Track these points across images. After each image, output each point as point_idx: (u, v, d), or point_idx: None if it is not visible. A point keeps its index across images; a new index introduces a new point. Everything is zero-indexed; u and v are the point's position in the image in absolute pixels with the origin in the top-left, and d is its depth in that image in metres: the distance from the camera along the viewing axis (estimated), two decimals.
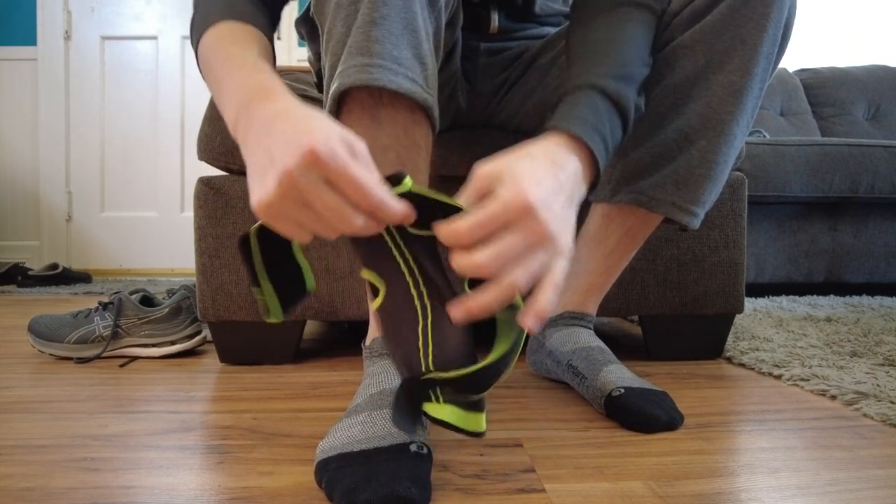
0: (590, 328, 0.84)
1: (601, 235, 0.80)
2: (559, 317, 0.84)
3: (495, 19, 0.83)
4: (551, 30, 0.88)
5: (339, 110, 0.54)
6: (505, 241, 0.43)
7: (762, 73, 0.67)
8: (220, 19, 0.59)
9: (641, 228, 0.79)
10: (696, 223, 0.73)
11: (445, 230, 0.43)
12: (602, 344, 0.81)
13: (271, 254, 0.49)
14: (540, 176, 0.47)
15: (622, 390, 0.69)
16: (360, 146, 0.42)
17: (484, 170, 0.47)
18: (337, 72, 0.52)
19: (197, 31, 0.61)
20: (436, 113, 0.56)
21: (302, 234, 0.44)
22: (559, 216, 0.46)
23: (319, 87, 0.82)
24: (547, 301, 0.44)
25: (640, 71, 0.64)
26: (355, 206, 0.41)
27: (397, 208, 0.42)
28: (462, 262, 0.43)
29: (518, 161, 0.48)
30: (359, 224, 0.42)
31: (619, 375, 0.73)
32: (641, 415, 0.66)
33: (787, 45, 0.68)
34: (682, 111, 0.69)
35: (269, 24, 0.65)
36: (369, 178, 0.41)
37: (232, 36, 0.58)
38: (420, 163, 0.58)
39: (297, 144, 0.40)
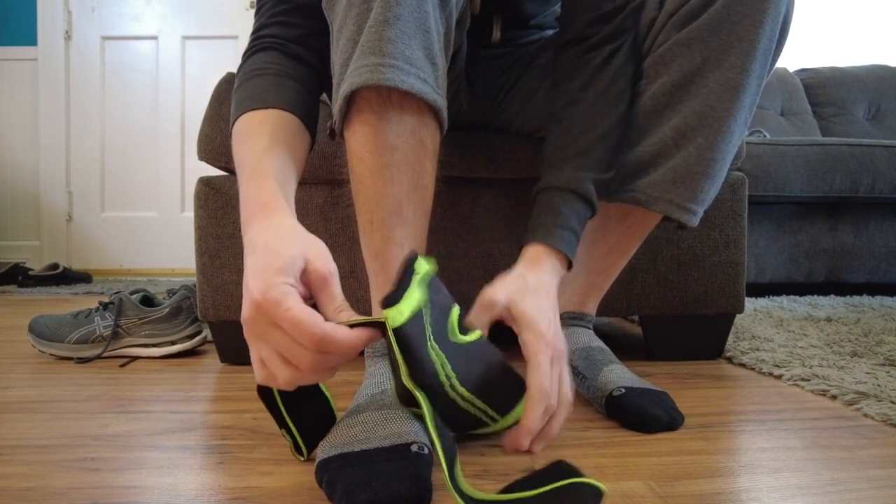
0: (589, 328, 0.84)
1: (600, 235, 0.80)
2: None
3: (497, 30, 0.83)
4: (551, 32, 0.88)
5: (348, 110, 0.54)
6: (549, 425, 0.55)
7: (760, 70, 0.66)
8: (244, 110, 0.62)
9: (640, 227, 0.79)
10: (694, 221, 0.72)
11: (511, 446, 0.53)
12: (602, 344, 0.81)
13: (296, 394, 0.52)
14: (560, 339, 0.58)
15: (623, 390, 0.69)
16: (322, 277, 0.46)
17: (505, 309, 0.58)
18: (348, 71, 0.52)
19: (234, 113, 0.64)
20: (444, 114, 0.57)
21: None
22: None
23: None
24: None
25: (603, 142, 0.69)
26: (304, 346, 0.43)
27: (344, 341, 0.43)
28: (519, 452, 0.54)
29: (538, 317, 0.58)
30: (308, 361, 0.43)
31: (620, 375, 0.73)
32: (642, 414, 0.66)
33: (785, 41, 0.68)
34: (679, 109, 0.69)
35: (308, 87, 0.67)
36: (308, 319, 0.42)
37: (247, 132, 0.60)
38: (427, 163, 0.58)
39: (248, 291, 0.45)
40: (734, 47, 0.65)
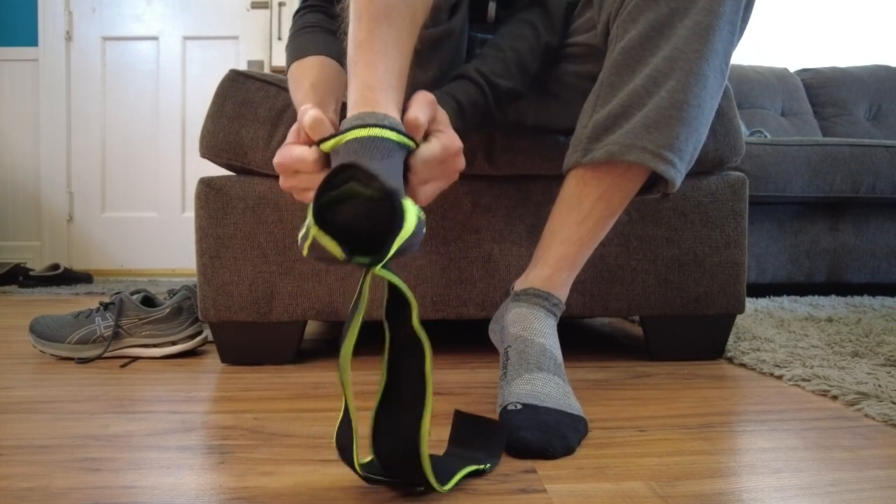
0: (552, 316, 0.75)
1: (575, 201, 0.75)
2: (523, 292, 0.76)
3: (492, 9, 0.86)
4: None
5: None
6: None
7: (730, 15, 0.67)
8: (298, 57, 0.81)
9: (617, 192, 0.74)
10: (673, 174, 0.69)
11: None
12: (551, 343, 0.72)
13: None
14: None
15: (519, 406, 0.63)
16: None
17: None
18: None
19: (287, 62, 0.84)
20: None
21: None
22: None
23: None
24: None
25: (501, 53, 0.80)
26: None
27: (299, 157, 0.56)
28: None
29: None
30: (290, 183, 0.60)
31: (532, 389, 0.65)
32: (514, 436, 0.59)
33: None
34: (650, 60, 0.69)
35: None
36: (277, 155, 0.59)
37: (302, 75, 0.78)
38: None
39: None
40: None
